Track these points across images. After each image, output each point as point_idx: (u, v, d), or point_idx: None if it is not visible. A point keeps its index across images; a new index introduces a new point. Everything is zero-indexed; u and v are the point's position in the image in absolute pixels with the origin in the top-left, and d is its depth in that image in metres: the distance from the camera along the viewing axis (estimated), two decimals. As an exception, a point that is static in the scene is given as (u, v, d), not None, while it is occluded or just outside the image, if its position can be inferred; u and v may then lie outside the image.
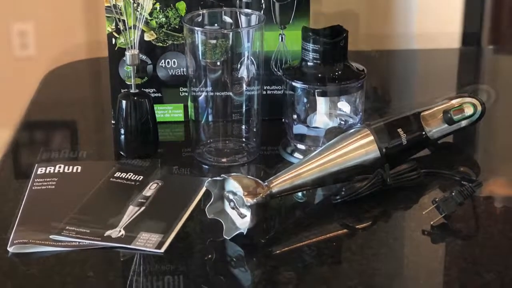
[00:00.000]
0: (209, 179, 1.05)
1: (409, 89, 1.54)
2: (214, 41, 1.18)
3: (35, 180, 1.17)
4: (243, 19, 1.23)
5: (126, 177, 1.17)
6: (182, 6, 1.30)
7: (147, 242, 1.03)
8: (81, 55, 1.64)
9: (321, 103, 1.22)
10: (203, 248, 1.05)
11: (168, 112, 1.34)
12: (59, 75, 1.56)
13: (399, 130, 1.16)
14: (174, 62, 1.33)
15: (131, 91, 1.23)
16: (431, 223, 1.06)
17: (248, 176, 1.06)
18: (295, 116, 1.23)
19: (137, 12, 1.25)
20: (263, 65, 1.22)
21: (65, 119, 1.42)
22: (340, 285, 0.99)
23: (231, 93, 1.21)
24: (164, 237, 1.04)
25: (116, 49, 1.31)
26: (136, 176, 1.18)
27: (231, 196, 1.04)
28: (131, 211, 1.09)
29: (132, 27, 1.23)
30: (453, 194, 1.07)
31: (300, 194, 1.13)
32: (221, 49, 1.18)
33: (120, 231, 1.05)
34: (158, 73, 1.33)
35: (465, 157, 1.28)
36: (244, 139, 1.25)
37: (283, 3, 1.31)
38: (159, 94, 1.34)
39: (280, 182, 1.07)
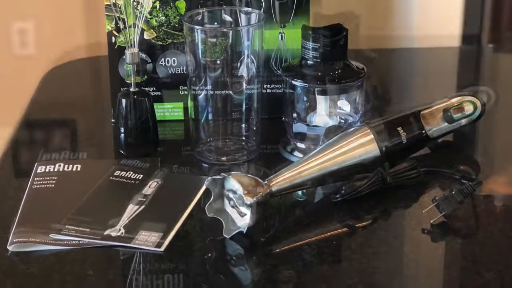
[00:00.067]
0: (209, 177, 1.05)
1: (409, 87, 1.54)
2: (214, 40, 1.18)
3: (35, 179, 1.17)
4: (243, 18, 1.23)
5: (126, 176, 1.17)
6: (182, 4, 1.30)
7: (147, 240, 1.03)
8: (81, 53, 1.64)
9: (321, 101, 1.22)
10: (203, 246, 1.05)
11: (168, 111, 1.34)
12: (59, 74, 1.56)
13: (399, 128, 1.16)
14: (174, 60, 1.33)
15: (131, 89, 1.23)
16: (431, 221, 1.06)
17: (248, 175, 1.06)
18: (295, 115, 1.23)
19: (137, 11, 1.25)
20: (263, 63, 1.22)
21: (65, 117, 1.42)
22: (340, 283, 0.99)
23: (231, 92, 1.21)
24: (164, 235, 1.04)
25: (116, 47, 1.31)
26: (136, 175, 1.18)
27: (231, 195, 1.04)
28: (131, 210, 1.09)
29: (132, 26, 1.23)
30: (453, 192, 1.06)
31: (300, 192, 1.13)
32: (221, 48, 1.18)
33: (120, 229, 1.05)
34: (158, 71, 1.33)
35: (465, 155, 1.28)
36: (244, 138, 1.25)
37: (283, 1, 1.30)
38: (159, 93, 1.34)
39: (280, 180, 1.07)
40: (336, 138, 1.14)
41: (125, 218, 1.07)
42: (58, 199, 1.13)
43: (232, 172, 1.05)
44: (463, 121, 1.22)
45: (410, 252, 1.05)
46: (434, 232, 1.05)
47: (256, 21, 1.21)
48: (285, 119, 1.25)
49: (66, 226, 1.05)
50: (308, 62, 1.21)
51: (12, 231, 1.04)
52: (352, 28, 1.24)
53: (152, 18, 1.30)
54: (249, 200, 1.02)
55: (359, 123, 1.21)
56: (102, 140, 1.35)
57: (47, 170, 1.19)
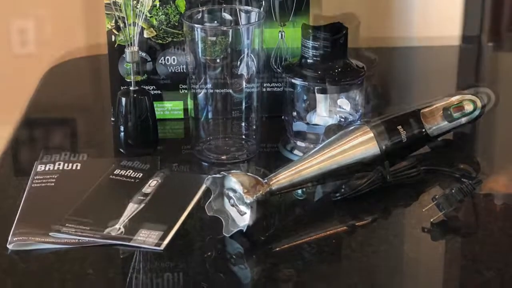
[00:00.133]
0: (209, 176, 1.05)
1: (409, 86, 1.54)
2: (213, 38, 1.18)
3: (35, 178, 1.17)
4: (242, 16, 1.23)
5: (125, 174, 1.17)
6: (181, 3, 1.30)
7: (147, 239, 1.03)
8: (81, 52, 1.64)
9: (321, 100, 1.22)
10: (202, 245, 1.05)
11: (167, 110, 1.34)
12: (59, 73, 1.56)
13: (399, 127, 1.16)
14: (173, 59, 1.32)
15: (130, 88, 1.23)
16: (431, 220, 1.06)
17: (248, 174, 1.06)
18: (294, 114, 1.23)
19: (137, 9, 1.25)
20: (263, 62, 1.22)
21: (65, 116, 1.42)
22: (340, 282, 0.99)
23: (230, 90, 1.21)
24: (163, 234, 1.03)
25: (115, 46, 1.31)
26: (136, 173, 1.18)
27: (230, 194, 1.04)
28: (131, 209, 1.09)
29: (132, 24, 1.23)
30: (453, 191, 1.06)
31: (299, 191, 1.13)
32: (221, 46, 1.18)
33: (119, 228, 1.05)
34: (158, 70, 1.33)
35: (465, 154, 1.28)
36: (243, 137, 1.25)
37: (283, 0, 1.30)
38: (159, 92, 1.34)
39: (280, 179, 1.07)
40: (336, 136, 1.14)
41: (125, 217, 1.07)
42: (58, 198, 1.13)
43: (232, 171, 1.05)
44: (463, 120, 1.22)
45: (410, 250, 1.05)
46: (434, 230, 1.05)
47: (256, 20, 1.21)
48: (285, 117, 1.25)
49: (66, 225, 1.05)
50: (308, 60, 1.21)
51: (12, 230, 1.04)
52: (352, 29, 1.24)
53: (152, 16, 1.30)
54: (249, 199, 1.02)
55: (359, 121, 1.21)
56: (102, 138, 1.35)
57: (47, 168, 1.19)
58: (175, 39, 1.32)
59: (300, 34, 1.22)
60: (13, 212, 1.08)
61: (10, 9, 1.68)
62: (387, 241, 1.06)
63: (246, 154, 1.23)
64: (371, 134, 1.14)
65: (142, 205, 1.10)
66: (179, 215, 1.08)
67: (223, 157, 1.22)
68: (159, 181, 1.16)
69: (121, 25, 1.25)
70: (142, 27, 1.27)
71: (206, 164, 1.22)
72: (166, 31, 1.31)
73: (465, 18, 1.67)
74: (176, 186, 1.15)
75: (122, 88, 1.30)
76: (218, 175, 1.04)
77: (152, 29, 1.31)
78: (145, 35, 1.31)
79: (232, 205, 1.04)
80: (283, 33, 1.32)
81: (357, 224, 1.08)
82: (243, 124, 1.23)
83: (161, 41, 1.32)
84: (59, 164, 1.20)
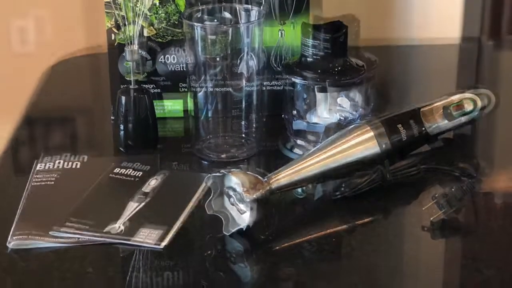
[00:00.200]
0: (209, 175, 1.05)
1: (409, 85, 1.54)
2: (213, 37, 1.17)
3: (35, 176, 1.16)
4: (242, 15, 1.23)
5: (125, 173, 1.17)
6: (181, 2, 1.30)
7: (147, 238, 1.03)
8: (80, 51, 1.64)
9: (321, 99, 1.22)
10: (202, 244, 1.05)
11: (167, 108, 1.34)
12: (58, 71, 1.55)
13: (399, 126, 1.16)
14: (173, 57, 1.32)
15: (130, 87, 1.23)
16: (431, 219, 1.06)
17: (248, 172, 1.06)
18: (294, 112, 1.23)
19: (137, 8, 1.25)
20: (263, 60, 1.22)
21: (65, 115, 1.41)
22: (340, 281, 0.99)
23: (230, 89, 1.21)
24: (163, 233, 1.03)
25: (115, 44, 1.31)
26: (136, 172, 1.18)
27: (230, 192, 1.04)
28: (131, 207, 1.09)
29: (132, 23, 1.23)
30: (453, 190, 1.06)
31: (299, 190, 1.13)
32: (221, 45, 1.18)
33: (119, 227, 1.05)
34: (158, 68, 1.33)
35: (465, 153, 1.27)
36: (243, 135, 1.24)
37: (283, 0, 1.30)
38: (159, 90, 1.33)
39: (280, 178, 1.07)
40: (336, 135, 1.14)
41: (125, 215, 1.07)
42: (58, 197, 1.13)
43: (232, 170, 1.05)
44: (463, 119, 1.22)
45: (410, 249, 1.05)
46: (434, 229, 1.05)
47: (256, 18, 1.21)
48: (285, 116, 1.25)
49: (66, 223, 1.05)
50: (308, 59, 1.21)
51: (12, 228, 1.04)
52: (352, 30, 1.24)
53: (151, 15, 1.30)
54: (249, 197, 1.02)
55: (359, 120, 1.21)
56: (102, 137, 1.35)
57: (46, 167, 1.19)
58: (175, 38, 1.31)
59: (300, 32, 1.22)
60: (13, 210, 1.08)
61: (10, 9, 1.68)
62: (387, 240, 1.06)
63: (246, 153, 1.23)
64: (371, 133, 1.14)
65: (142, 204, 1.10)
66: (179, 214, 1.07)
67: (223, 156, 1.22)
68: (159, 179, 1.16)
69: (121, 23, 1.25)
70: (142, 25, 1.27)
71: (206, 162, 1.22)
72: (166, 29, 1.31)
73: (465, 18, 1.67)
74: (176, 185, 1.15)
75: (122, 86, 1.29)
76: (218, 174, 1.04)
77: (152, 27, 1.31)
78: (145, 34, 1.30)
79: (232, 204, 1.04)
80: (283, 32, 1.32)
81: (357, 223, 1.08)
82: (243, 122, 1.23)
83: (161, 40, 1.31)
84: (59, 163, 1.20)
